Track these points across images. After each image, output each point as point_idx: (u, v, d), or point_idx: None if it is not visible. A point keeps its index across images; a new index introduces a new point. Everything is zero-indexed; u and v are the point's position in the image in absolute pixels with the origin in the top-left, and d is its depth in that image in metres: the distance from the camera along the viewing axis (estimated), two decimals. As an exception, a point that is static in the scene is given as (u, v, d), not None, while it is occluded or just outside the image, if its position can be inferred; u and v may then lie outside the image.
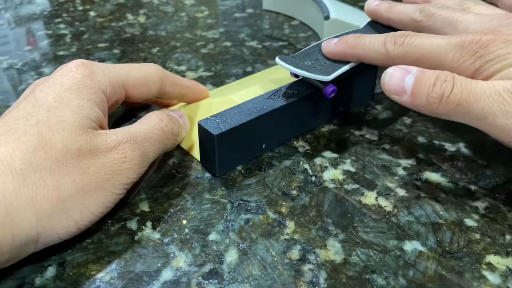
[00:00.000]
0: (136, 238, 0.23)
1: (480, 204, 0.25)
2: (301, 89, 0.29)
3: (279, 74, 0.36)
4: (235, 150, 0.26)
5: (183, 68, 0.39)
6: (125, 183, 0.23)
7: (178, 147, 0.29)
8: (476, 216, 0.24)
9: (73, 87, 0.23)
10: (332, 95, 0.28)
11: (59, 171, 0.21)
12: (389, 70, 0.24)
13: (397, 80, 0.23)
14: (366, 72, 0.32)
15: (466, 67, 0.23)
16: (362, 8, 0.50)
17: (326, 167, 0.27)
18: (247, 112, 0.26)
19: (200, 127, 0.25)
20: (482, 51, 0.23)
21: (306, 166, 0.28)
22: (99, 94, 0.24)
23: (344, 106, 0.32)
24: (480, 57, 0.23)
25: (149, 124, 0.25)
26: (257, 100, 0.28)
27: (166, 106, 0.32)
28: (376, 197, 0.25)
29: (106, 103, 0.24)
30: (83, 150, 0.21)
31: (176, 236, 0.23)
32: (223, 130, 0.25)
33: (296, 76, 0.30)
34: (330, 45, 0.28)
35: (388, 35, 0.26)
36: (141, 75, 0.27)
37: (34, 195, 0.20)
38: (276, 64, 0.39)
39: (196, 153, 0.28)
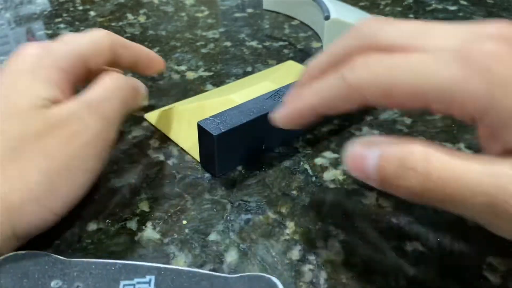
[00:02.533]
0: (136, 238, 0.23)
1: (480, 204, 0.24)
2: None
3: (280, 74, 0.36)
4: (235, 150, 0.26)
5: (183, 68, 0.39)
6: (95, 155, 0.22)
7: (178, 147, 0.29)
8: (476, 216, 0.24)
9: (24, 69, 0.22)
10: None
11: (20, 159, 0.20)
12: (348, 150, 0.18)
13: (359, 164, 0.18)
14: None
15: (477, 91, 0.16)
16: (363, 8, 0.50)
17: (327, 167, 0.27)
18: (247, 112, 0.26)
19: (200, 128, 0.25)
20: (501, 69, 0.15)
21: (307, 166, 0.27)
22: (54, 70, 0.23)
23: None
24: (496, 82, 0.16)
25: (103, 84, 0.24)
26: (257, 100, 0.28)
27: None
28: (377, 198, 0.25)
29: (65, 80, 0.23)
30: (40, 131, 0.20)
31: (176, 236, 0.23)
32: (223, 130, 0.25)
33: None
34: (279, 115, 0.21)
35: (343, 65, 0.19)
36: (93, 42, 0.25)
37: (0, 189, 0.19)
38: (276, 63, 0.39)
39: (195, 153, 0.28)
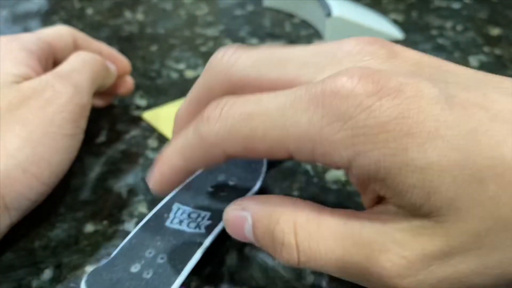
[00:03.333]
0: (134, 240, 0.22)
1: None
2: None
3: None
4: None
5: (182, 66, 0.38)
6: (72, 120, 0.22)
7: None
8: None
9: None
10: None
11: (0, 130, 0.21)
12: (227, 214, 0.17)
13: (237, 230, 0.17)
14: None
15: (339, 140, 0.14)
16: (365, 5, 0.49)
17: (328, 168, 0.27)
18: None
19: None
20: (358, 112, 0.14)
21: (308, 167, 0.27)
22: (23, 52, 0.24)
23: None
24: (353, 125, 0.14)
25: (69, 60, 0.25)
26: None
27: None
28: (380, 199, 0.25)
29: (36, 61, 0.24)
30: (14, 103, 0.21)
31: (175, 238, 0.22)
32: None
33: None
34: (151, 181, 0.18)
35: (198, 116, 0.17)
36: (54, 31, 0.27)
37: None
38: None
39: None
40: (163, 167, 0.18)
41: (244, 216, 0.16)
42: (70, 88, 0.23)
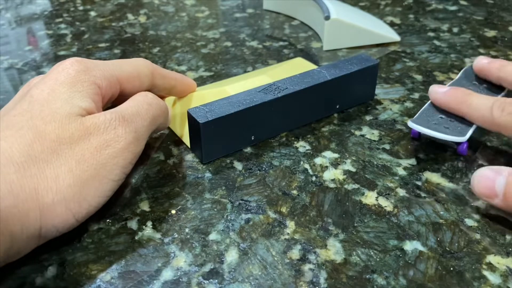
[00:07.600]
0: (136, 238, 0.23)
1: (480, 204, 0.25)
2: (294, 84, 0.29)
3: (281, 69, 0.36)
4: (222, 139, 0.27)
5: (183, 68, 0.39)
6: (122, 166, 0.23)
7: (178, 146, 0.29)
8: (476, 216, 0.24)
9: (66, 81, 0.23)
10: (467, 150, 0.28)
11: (56, 161, 0.21)
12: (478, 172, 0.23)
13: (488, 183, 0.23)
14: (367, 72, 0.32)
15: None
16: (363, 8, 0.50)
17: (327, 167, 0.27)
18: (236, 103, 0.27)
19: (189, 115, 0.26)
20: None
21: (307, 166, 0.28)
22: (92, 86, 0.24)
23: (341, 104, 0.32)
24: None
25: (135, 101, 0.25)
26: (248, 92, 0.28)
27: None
28: (377, 197, 0.25)
29: (100, 96, 0.25)
30: (75, 136, 0.22)
31: (176, 236, 0.23)
32: (209, 119, 0.26)
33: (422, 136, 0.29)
34: (438, 93, 0.29)
35: (497, 100, 0.26)
36: (133, 69, 0.27)
37: (36, 187, 0.20)
38: (277, 63, 0.39)
39: (187, 140, 0.29)
40: (453, 101, 0.28)
41: (500, 171, 0.22)
42: (131, 135, 0.23)
